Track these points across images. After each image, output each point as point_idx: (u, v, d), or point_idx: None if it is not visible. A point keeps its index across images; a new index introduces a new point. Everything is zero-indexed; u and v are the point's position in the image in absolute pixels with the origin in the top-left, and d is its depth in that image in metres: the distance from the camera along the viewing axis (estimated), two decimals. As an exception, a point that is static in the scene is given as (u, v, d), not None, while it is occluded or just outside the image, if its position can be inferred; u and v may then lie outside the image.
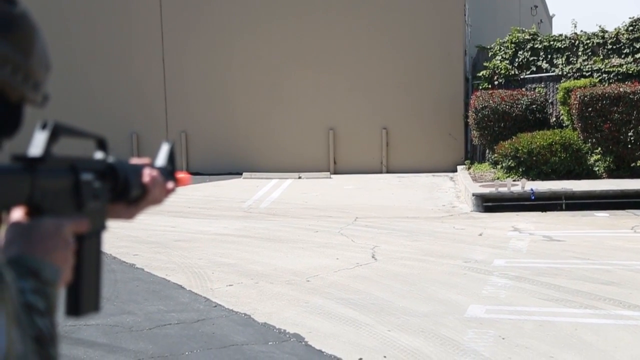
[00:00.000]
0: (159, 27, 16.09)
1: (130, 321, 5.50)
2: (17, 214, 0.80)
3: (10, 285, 0.66)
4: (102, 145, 1.00)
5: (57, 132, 0.87)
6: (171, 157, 1.28)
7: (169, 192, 1.13)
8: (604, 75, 13.85)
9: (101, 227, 0.98)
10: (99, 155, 1.03)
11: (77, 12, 16.32)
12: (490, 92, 13.98)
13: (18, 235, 0.79)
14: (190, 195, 13.01)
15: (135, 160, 1.15)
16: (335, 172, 15.49)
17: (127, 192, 1.09)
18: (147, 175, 1.09)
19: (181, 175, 1.28)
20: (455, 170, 14.76)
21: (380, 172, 15.36)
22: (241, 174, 15.41)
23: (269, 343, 4.97)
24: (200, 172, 15.88)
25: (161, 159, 1.24)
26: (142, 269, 7.26)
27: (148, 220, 10.44)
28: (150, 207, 1.10)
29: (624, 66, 13.73)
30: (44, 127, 0.85)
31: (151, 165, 1.18)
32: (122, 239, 8.95)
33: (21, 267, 0.76)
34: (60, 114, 16.46)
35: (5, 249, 0.77)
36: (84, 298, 0.92)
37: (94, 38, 16.26)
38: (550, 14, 34.97)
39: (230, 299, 6.09)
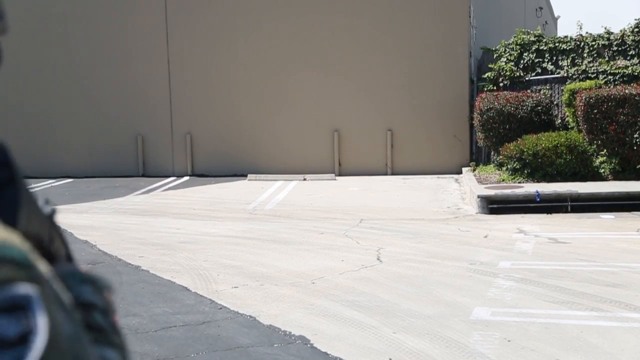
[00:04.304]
0: (164, 29, 16.12)
1: (136, 323, 5.51)
2: None
3: (46, 275, 0.67)
4: None
5: None
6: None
7: None
8: (609, 77, 13.83)
9: None
10: None
11: (81, 14, 16.37)
12: (495, 93, 13.96)
13: None
14: (196, 197, 13.02)
15: None
16: (340, 174, 15.49)
17: None
18: None
19: None
20: (460, 172, 14.75)
21: (385, 174, 15.35)
22: (246, 176, 15.43)
23: (275, 345, 4.98)
24: (205, 174, 15.90)
25: None
26: (148, 271, 7.27)
27: (153, 222, 10.46)
28: None
29: (630, 68, 13.70)
30: None
31: None
32: (128, 241, 8.96)
33: (77, 277, 0.77)
34: (66, 117, 16.51)
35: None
36: None
37: (99, 40, 16.30)
38: (555, 15, 34.93)
39: (236, 301, 6.10)
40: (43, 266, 0.66)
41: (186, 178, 15.68)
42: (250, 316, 5.65)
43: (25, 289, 0.60)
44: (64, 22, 16.29)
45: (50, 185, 14.93)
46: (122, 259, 7.88)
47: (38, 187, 14.57)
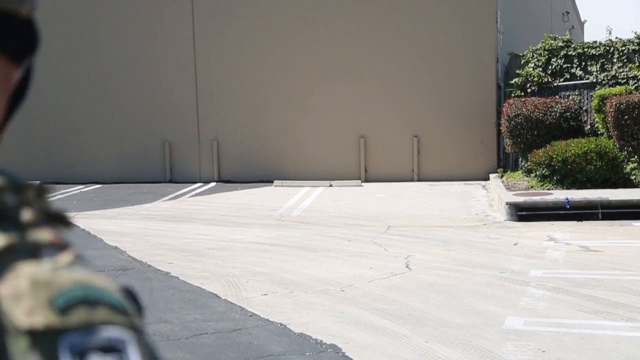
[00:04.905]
0: (191, 37, 16.23)
1: (168, 330, 5.52)
2: None
3: (141, 326, 0.68)
4: None
5: None
6: None
7: None
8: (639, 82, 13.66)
9: None
10: None
11: (111, 23, 16.54)
12: (523, 99, 13.85)
13: None
14: (223, 203, 13.07)
15: None
16: (366, 180, 15.45)
17: None
18: None
19: None
20: (487, 179, 14.64)
21: (412, 180, 15.28)
22: (272, 182, 15.45)
23: (306, 354, 4.96)
24: (232, 180, 15.95)
25: None
26: (177, 278, 7.30)
27: (181, 228, 10.52)
28: None
29: (661, 73, 13.51)
30: None
31: None
32: (157, 247, 9.01)
33: None
34: (95, 123, 16.67)
35: None
36: None
37: (127, 49, 16.45)
38: (582, 20, 34.62)
39: (266, 308, 6.10)
40: (138, 319, 0.67)
41: (213, 184, 15.75)
42: (281, 324, 5.64)
43: (122, 333, 0.62)
44: (94, 31, 16.47)
45: (79, 190, 15.08)
46: (152, 265, 7.92)
47: (67, 192, 14.73)
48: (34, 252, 0.70)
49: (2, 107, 0.89)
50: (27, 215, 0.74)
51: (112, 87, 16.61)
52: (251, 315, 5.88)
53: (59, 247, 0.73)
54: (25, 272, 0.67)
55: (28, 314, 0.65)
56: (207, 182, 16.00)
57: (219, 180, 16.09)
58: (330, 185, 14.96)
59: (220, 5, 16.06)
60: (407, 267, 7.66)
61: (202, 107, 16.33)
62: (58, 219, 0.79)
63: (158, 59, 16.41)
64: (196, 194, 14.42)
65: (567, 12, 26.95)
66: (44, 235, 0.73)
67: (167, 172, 16.44)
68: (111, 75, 16.61)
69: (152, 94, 16.46)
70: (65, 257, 0.70)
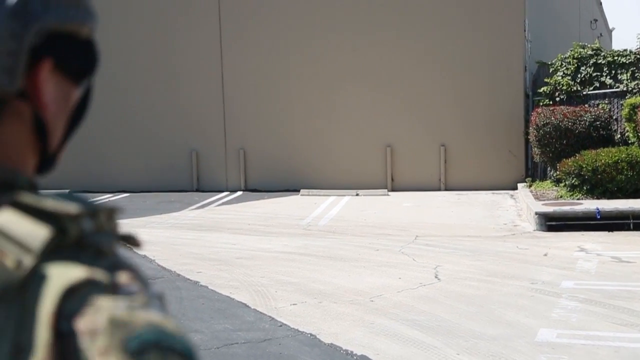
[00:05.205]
0: (218, 47, 16.35)
1: (198, 340, 5.54)
2: None
3: None
4: None
5: None
6: None
7: None
8: (671, 90, 13.48)
9: None
10: None
11: (138, 32, 16.72)
12: (551, 108, 13.72)
13: None
14: (250, 212, 13.11)
15: None
16: (393, 190, 15.41)
17: None
18: None
19: None
20: (515, 188, 14.52)
21: (439, 190, 15.20)
22: (298, 191, 15.47)
23: (337, 365, 4.95)
24: (258, 189, 16.00)
25: None
26: (207, 287, 7.32)
27: (209, 237, 10.56)
28: None
29: (693, 81, 13.32)
30: None
31: None
32: (185, 256, 9.05)
33: None
34: (122, 132, 16.85)
35: None
36: None
37: (155, 58, 16.61)
38: (610, 27, 34.29)
39: (295, 318, 6.09)
40: None
41: (239, 193, 15.80)
42: (311, 334, 5.63)
43: None
44: (121, 40, 16.66)
45: (107, 199, 15.23)
46: (181, 274, 7.95)
47: (96, 201, 14.84)
48: (113, 287, 0.71)
49: (63, 125, 0.90)
50: (105, 242, 0.75)
51: (139, 97, 16.77)
52: (281, 325, 5.88)
53: (136, 283, 0.74)
54: (104, 308, 0.69)
55: (102, 354, 0.67)
56: (233, 191, 16.06)
57: (246, 189, 16.15)
58: (357, 195, 14.94)
59: (247, 15, 16.16)
60: (436, 277, 7.61)
61: (229, 116, 16.42)
62: (129, 240, 0.80)
63: (186, 69, 16.54)
64: (223, 203, 14.48)
65: (595, 20, 26.71)
66: (122, 268, 0.74)
67: (194, 181, 16.54)
68: (139, 85, 16.78)
69: (179, 103, 16.59)
70: (141, 296, 0.72)
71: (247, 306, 6.52)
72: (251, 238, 10.34)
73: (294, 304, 6.55)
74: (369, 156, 15.68)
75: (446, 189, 15.17)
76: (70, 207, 0.74)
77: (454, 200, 13.80)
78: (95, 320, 0.68)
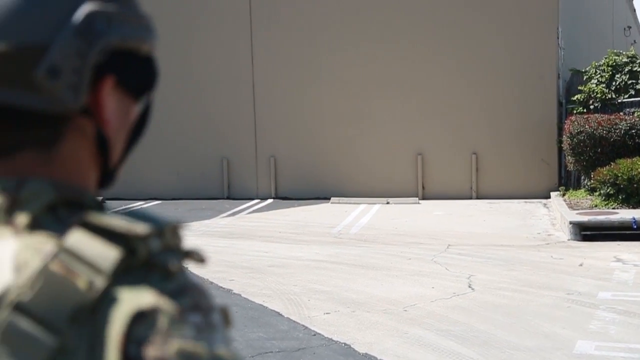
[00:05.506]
0: (249, 54, 16.44)
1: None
2: None
3: None
4: None
5: None
6: None
7: None
8: None
9: None
10: None
11: (169, 40, 16.87)
12: (585, 116, 13.55)
13: None
14: (280, 219, 13.13)
15: None
16: (424, 198, 15.32)
17: None
18: None
19: None
20: (548, 197, 14.34)
21: (470, 198, 15.08)
22: (329, 199, 15.46)
23: (372, 375, 4.92)
24: (288, 197, 16.03)
25: None
26: (239, 295, 7.34)
27: (240, 244, 10.59)
28: None
29: None
30: None
31: None
32: (217, 264, 9.08)
33: None
34: (154, 140, 17.00)
35: None
36: None
37: (186, 66, 16.76)
38: (644, 34, 33.75)
39: (329, 327, 6.07)
40: None
41: (270, 201, 15.84)
42: (345, 344, 5.61)
43: None
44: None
45: (139, 207, 15.37)
46: (214, 282, 7.98)
47: (128, 209, 15.02)
48: (181, 313, 0.72)
49: (123, 141, 0.91)
50: (172, 261, 0.76)
51: (171, 104, 16.92)
52: (315, 335, 5.86)
53: (203, 304, 0.75)
54: (172, 338, 0.71)
55: None
56: (264, 198, 16.11)
57: (276, 197, 16.18)
58: (387, 203, 14.88)
59: (278, 22, 16.23)
60: (469, 287, 7.54)
61: (260, 124, 16.49)
62: (193, 256, 0.81)
63: (216, 77, 16.66)
64: (254, 211, 14.53)
65: (629, 27, 26.36)
66: (189, 290, 0.75)
67: (224, 189, 16.62)
68: (170, 94, 16.93)
69: (210, 111, 16.71)
70: (207, 325, 0.73)
71: (281, 315, 6.52)
72: (282, 246, 10.34)
73: (327, 313, 6.54)
74: (400, 164, 15.62)
75: (477, 198, 15.05)
76: (139, 228, 0.74)
77: (486, 209, 13.68)
78: (164, 350, 0.70)
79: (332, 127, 15.98)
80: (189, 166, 16.85)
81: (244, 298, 7.19)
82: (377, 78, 15.66)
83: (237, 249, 10.24)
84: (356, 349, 5.47)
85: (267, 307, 6.79)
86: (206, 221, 13.13)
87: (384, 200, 15.03)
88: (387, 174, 15.65)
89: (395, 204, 14.82)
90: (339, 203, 15.08)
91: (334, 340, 5.69)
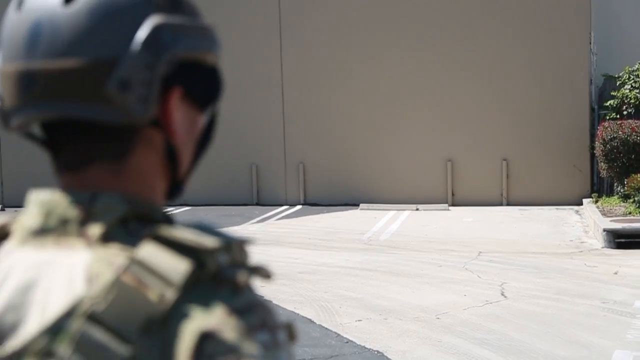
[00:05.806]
0: (278, 60, 16.50)
1: (265, 354, 5.55)
2: None
3: None
4: None
5: None
6: None
7: None
8: None
9: None
10: None
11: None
12: (619, 122, 13.37)
13: None
14: (310, 226, 13.13)
15: None
16: (454, 204, 15.23)
17: None
18: None
19: None
20: (580, 204, 14.16)
21: (500, 205, 14.95)
22: (358, 205, 15.43)
23: (406, 383, 4.89)
24: (317, 203, 16.03)
25: None
26: (271, 301, 7.32)
27: (270, 251, 10.60)
28: None
29: None
30: None
31: None
32: (248, 269, 9.10)
33: None
34: (184, 146, 17.14)
35: None
36: None
37: (217, 73, 16.87)
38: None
39: (361, 334, 6.05)
40: None
41: (299, 207, 15.86)
42: (378, 351, 5.58)
43: None
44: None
45: (170, 213, 15.46)
46: (245, 288, 7.99)
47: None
48: (249, 331, 0.73)
49: (190, 152, 0.92)
50: (240, 276, 0.76)
51: (202, 112, 17.03)
52: (347, 342, 5.85)
53: (269, 321, 0.75)
54: (241, 355, 0.71)
55: None
56: (293, 205, 16.13)
57: (305, 203, 16.20)
58: (417, 209, 14.81)
59: (308, 28, 16.28)
60: (502, 294, 7.46)
61: (289, 130, 16.53)
62: (260, 272, 0.81)
63: (246, 83, 16.74)
64: (283, 217, 14.56)
65: (662, 31, 25.95)
66: (256, 307, 0.76)
67: (254, 195, 16.67)
68: (201, 100, 17.05)
69: (240, 118, 16.78)
70: (274, 344, 0.74)
71: (312, 322, 6.51)
72: (312, 252, 10.34)
73: (359, 320, 6.52)
74: (429, 170, 15.54)
75: (508, 204, 14.91)
76: (208, 241, 0.75)
77: (517, 216, 13.55)
78: None
79: (362, 133, 15.96)
80: (219, 172, 16.93)
81: (275, 304, 7.19)
82: (406, 85, 15.62)
83: (267, 255, 10.23)
84: (389, 356, 5.44)
85: (298, 314, 6.79)
86: (236, 227, 13.17)
87: (414, 206, 14.96)
88: (417, 180, 15.58)
89: (424, 210, 14.74)
90: (368, 209, 15.04)
91: (366, 348, 5.67)
